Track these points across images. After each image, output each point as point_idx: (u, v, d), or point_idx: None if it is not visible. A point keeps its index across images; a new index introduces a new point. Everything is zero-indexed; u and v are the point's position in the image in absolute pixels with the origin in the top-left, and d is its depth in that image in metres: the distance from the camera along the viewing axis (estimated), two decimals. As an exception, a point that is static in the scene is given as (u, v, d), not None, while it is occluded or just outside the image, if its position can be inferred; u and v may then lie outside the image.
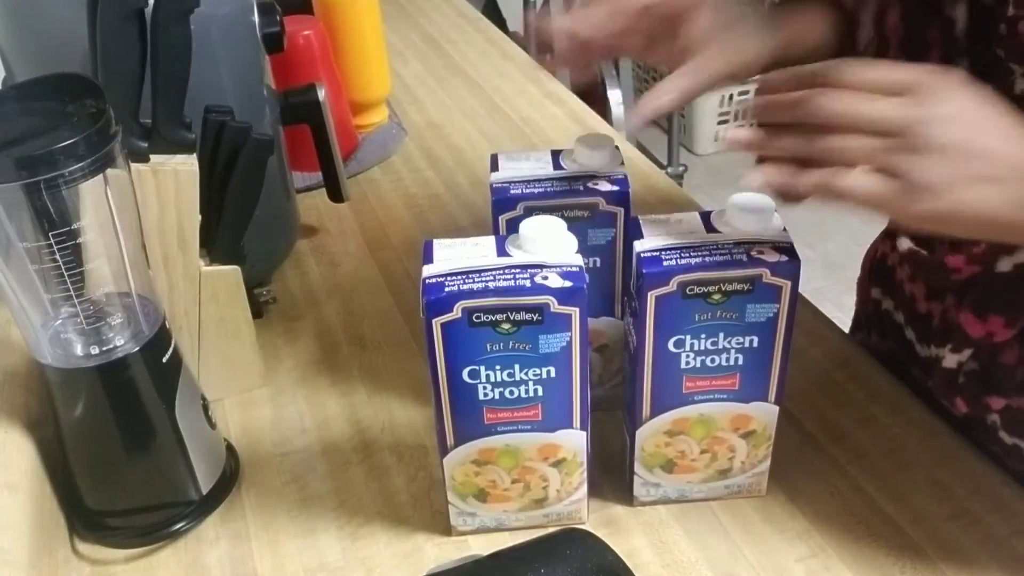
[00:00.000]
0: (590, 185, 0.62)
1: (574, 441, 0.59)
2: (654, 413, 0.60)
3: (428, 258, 0.56)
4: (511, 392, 0.56)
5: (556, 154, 0.66)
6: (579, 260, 0.55)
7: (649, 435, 0.61)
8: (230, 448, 0.71)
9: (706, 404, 0.60)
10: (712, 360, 0.58)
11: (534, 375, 0.56)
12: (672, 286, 0.55)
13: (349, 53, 1.09)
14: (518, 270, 0.54)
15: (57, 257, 0.55)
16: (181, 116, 0.65)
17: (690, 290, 0.55)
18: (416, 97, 1.25)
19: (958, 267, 0.65)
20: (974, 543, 0.61)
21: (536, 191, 0.62)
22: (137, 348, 0.60)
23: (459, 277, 0.54)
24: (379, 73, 1.14)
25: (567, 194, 0.62)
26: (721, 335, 0.57)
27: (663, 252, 0.55)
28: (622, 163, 0.64)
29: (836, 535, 0.62)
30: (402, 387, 0.77)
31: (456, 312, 0.53)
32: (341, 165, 0.94)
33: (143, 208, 0.63)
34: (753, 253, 0.55)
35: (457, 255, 0.55)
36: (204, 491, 0.66)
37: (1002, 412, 0.66)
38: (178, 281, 0.70)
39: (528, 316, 0.53)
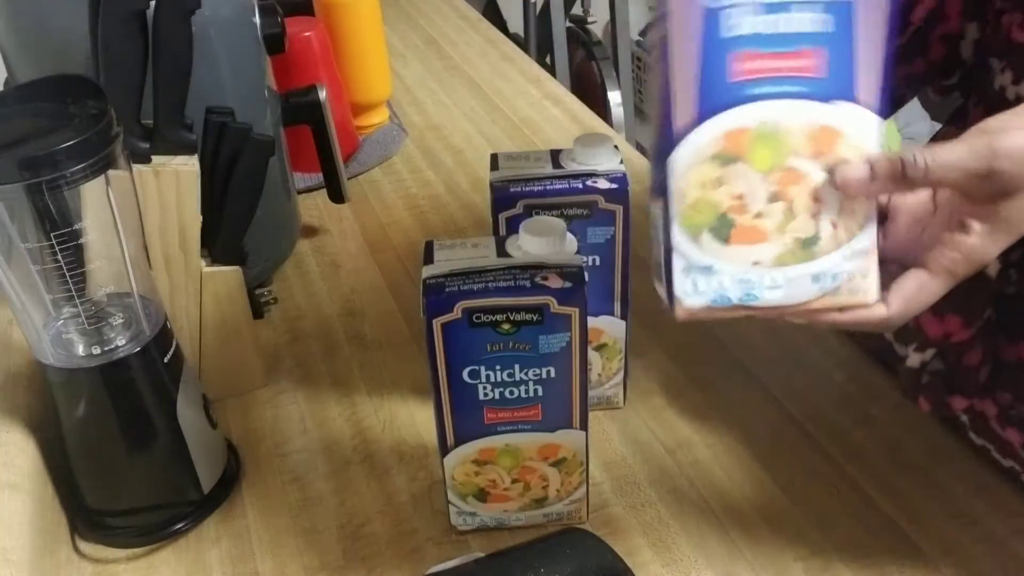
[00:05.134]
0: (589, 183, 0.63)
1: (574, 441, 0.59)
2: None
3: (428, 259, 0.56)
4: (511, 392, 0.56)
5: (556, 153, 0.66)
6: (579, 260, 0.55)
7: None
8: (231, 448, 0.71)
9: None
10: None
11: (534, 375, 0.56)
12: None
13: (350, 54, 1.09)
14: (518, 271, 0.54)
15: (59, 257, 0.55)
16: (182, 117, 0.66)
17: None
18: (416, 98, 1.25)
19: None
20: (974, 543, 0.61)
21: (535, 189, 0.63)
22: (138, 348, 0.60)
23: (459, 278, 0.54)
24: (380, 74, 1.14)
25: (566, 192, 0.62)
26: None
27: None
28: (621, 162, 0.64)
29: (836, 535, 0.62)
30: (402, 387, 0.77)
31: (456, 312, 0.53)
32: (342, 166, 0.94)
33: (144, 209, 0.64)
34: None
35: (457, 256, 0.56)
36: (205, 491, 0.66)
37: (967, 413, 0.66)
38: (179, 281, 0.70)
39: (528, 316, 0.54)
